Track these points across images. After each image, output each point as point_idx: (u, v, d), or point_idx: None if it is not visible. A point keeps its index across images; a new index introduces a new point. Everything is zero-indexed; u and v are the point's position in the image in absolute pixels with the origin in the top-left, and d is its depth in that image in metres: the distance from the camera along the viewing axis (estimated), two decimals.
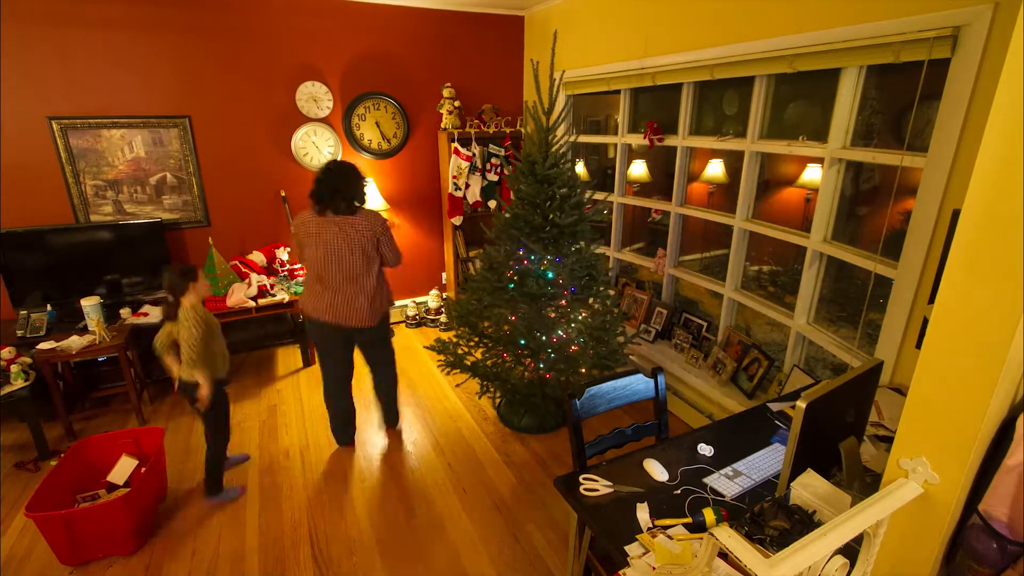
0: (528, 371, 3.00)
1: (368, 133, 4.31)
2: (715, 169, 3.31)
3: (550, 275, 2.81)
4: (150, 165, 3.71)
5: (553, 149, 2.81)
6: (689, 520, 1.53)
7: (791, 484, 1.37)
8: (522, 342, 2.90)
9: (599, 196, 3.99)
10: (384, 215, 4.54)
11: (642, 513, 1.57)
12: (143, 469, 2.49)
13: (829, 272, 2.65)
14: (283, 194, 4.16)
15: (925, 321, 2.06)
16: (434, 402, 3.59)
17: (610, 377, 1.98)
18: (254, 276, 3.76)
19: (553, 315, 2.92)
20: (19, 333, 3.18)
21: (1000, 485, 1.03)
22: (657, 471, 1.75)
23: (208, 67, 3.70)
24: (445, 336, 3.43)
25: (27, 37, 3.22)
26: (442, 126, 4.42)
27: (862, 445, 1.73)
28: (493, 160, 4.50)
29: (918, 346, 2.06)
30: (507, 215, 2.92)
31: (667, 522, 1.53)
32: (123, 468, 2.56)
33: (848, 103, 2.36)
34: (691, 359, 3.35)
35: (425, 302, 4.96)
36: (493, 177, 4.53)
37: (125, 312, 3.45)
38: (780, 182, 2.95)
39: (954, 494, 1.05)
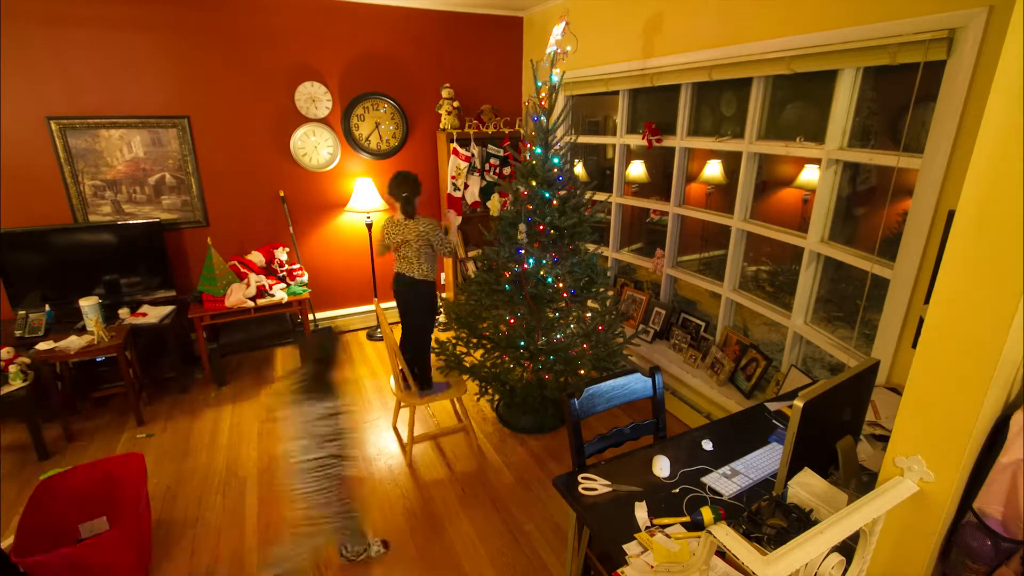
0: (527, 372, 3.01)
1: (367, 133, 4.31)
2: (713, 170, 3.32)
3: (549, 280, 2.81)
4: (149, 165, 3.71)
5: (553, 151, 2.82)
6: (687, 519, 1.54)
7: (788, 483, 1.38)
8: (521, 344, 2.90)
9: (599, 197, 4.01)
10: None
11: (640, 512, 1.57)
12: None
13: (826, 272, 2.66)
14: (282, 194, 4.16)
15: (921, 321, 2.07)
16: (434, 405, 3.58)
17: (608, 377, 1.99)
18: (253, 276, 3.76)
19: (552, 316, 2.92)
20: (17, 333, 3.18)
21: (994, 483, 1.04)
22: (663, 468, 1.76)
23: (207, 67, 3.70)
24: (444, 337, 3.43)
25: (26, 37, 3.22)
26: (441, 126, 4.43)
27: (859, 444, 1.74)
28: (492, 160, 4.51)
29: (914, 346, 2.07)
30: (506, 214, 2.93)
31: (665, 521, 1.53)
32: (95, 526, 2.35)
33: (845, 104, 2.38)
34: (689, 359, 3.36)
35: None
36: (492, 177, 4.54)
37: (124, 312, 3.45)
38: (778, 183, 2.96)
39: (949, 492, 1.07)
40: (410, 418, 2.93)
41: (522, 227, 2.80)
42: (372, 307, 4.79)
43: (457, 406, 3.50)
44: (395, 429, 3.28)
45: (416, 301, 3.06)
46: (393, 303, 4.89)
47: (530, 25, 4.57)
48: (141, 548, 2.23)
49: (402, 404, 3.36)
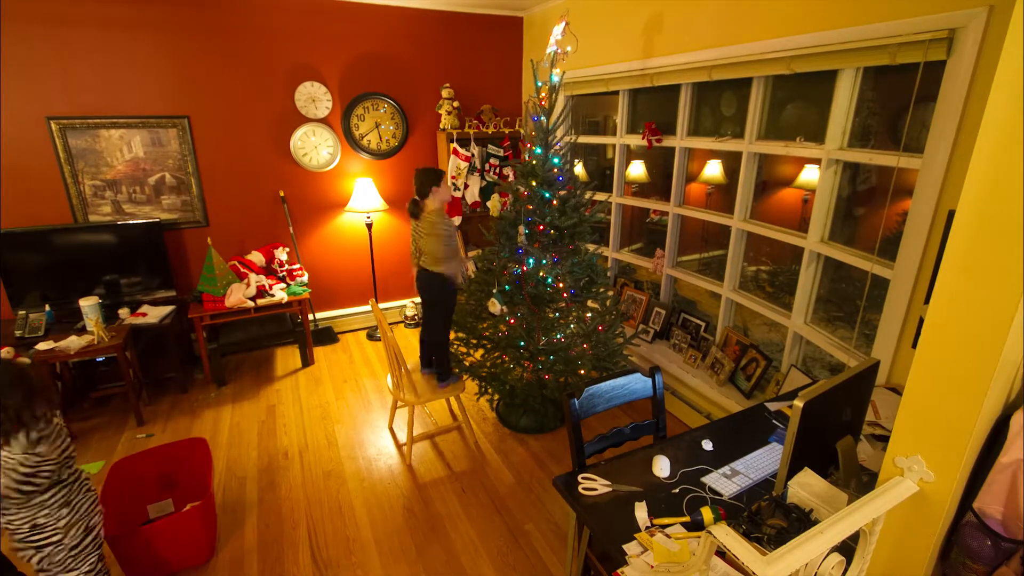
0: (527, 372, 3.01)
1: (367, 133, 4.31)
2: (713, 170, 3.32)
3: (549, 280, 2.81)
4: (149, 165, 3.71)
5: (553, 151, 2.82)
6: (687, 519, 1.54)
7: (788, 483, 1.38)
8: (521, 344, 2.90)
9: (599, 197, 4.01)
10: (379, 214, 4.54)
11: (640, 512, 1.57)
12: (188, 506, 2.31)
13: (826, 272, 2.66)
14: (282, 194, 4.16)
15: (921, 321, 2.07)
16: (433, 404, 3.59)
17: (608, 377, 1.99)
18: (253, 276, 3.76)
19: (552, 316, 2.92)
20: (18, 333, 3.17)
21: (994, 483, 1.04)
22: (663, 468, 1.76)
23: (207, 67, 3.70)
24: None
25: (26, 37, 3.22)
26: (441, 126, 4.43)
27: (859, 444, 1.74)
28: (492, 160, 4.51)
29: (914, 346, 2.07)
30: (506, 214, 2.93)
31: (665, 521, 1.53)
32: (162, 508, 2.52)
33: (845, 104, 2.38)
34: (689, 359, 3.36)
35: None
36: (492, 177, 4.54)
37: (124, 312, 3.45)
38: (778, 183, 2.96)
39: (949, 492, 1.07)
40: (409, 418, 2.93)
41: (521, 228, 2.80)
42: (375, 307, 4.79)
43: (454, 405, 3.50)
44: (391, 430, 3.28)
45: (424, 292, 3.11)
46: (393, 303, 4.92)
47: (530, 25, 4.57)
48: (208, 528, 2.31)
49: (399, 404, 3.36)
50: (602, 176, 4.29)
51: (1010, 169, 0.91)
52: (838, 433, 1.52)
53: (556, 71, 2.72)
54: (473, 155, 4.36)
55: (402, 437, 3.20)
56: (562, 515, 2.57)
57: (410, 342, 4.53)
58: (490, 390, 3.17)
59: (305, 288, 3.99)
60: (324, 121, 4.15)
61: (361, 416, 3.42)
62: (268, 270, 4.07)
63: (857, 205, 2.52)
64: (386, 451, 3.07)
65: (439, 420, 3.39)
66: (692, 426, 3.06)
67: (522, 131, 4.63)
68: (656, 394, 2.06)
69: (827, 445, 1.50)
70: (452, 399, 3.59)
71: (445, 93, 4.30)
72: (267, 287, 3.80)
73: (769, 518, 1.31)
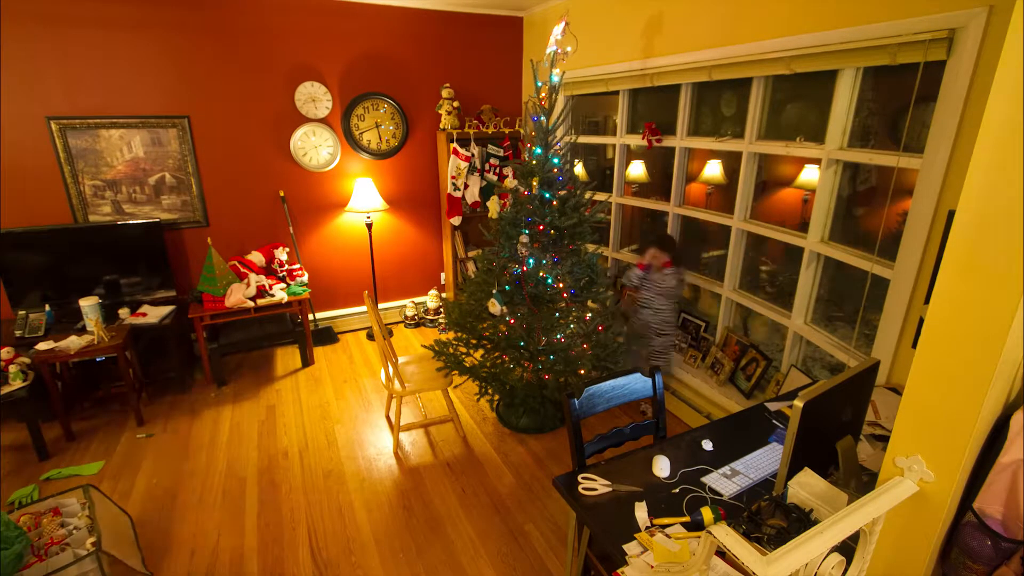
0: (527, 372, 3.01)
1: (367, 133, 4.31)
2: (713, 170, 3.32)
3: (549, 280, 2.81)
4: (149, 165, 3.71)
5: (553, 151, 2.82)
6: (687, 519, 1.54)
7: (788, 483, 1.38)
8: (521, 344, 2.90)
9: (599, 197, 4.01)
10: (383, 215, 4.55)
11: (640, 512, 1.57)
12: None
13: (827, 272, 2.66)
14: (282, 194, 4.16)
15: (921, 321, 2.07)
16: (432, 402, 3.59)
17: (608, 377, 1.99)
18: (253, 276, 3.76)
19: (552, 316, 2.92)
20: (18, 333, 3.18)
21: (994, 483, 1.04)
22: (663, 468, 1.76)
23: (207, 67, 3.70)
24: (444, 337, 3.43)
25: (26, 37, 3.22)
26: (441, 126, 4.43)
27: (859, 444, 1.74)
28: (492, 160, 4.51)
29: (914, 346, 2.07)
30: (506, 214, 2.93)
31: (665, 521, 1.53)
32: None
33: (845, 104, 2.38)
34: (689, 359, 3.36)
35: (424, 302, 4.97)
36: (492, 177, 4.54)
37: (124, 312, 3.45)
38: (778, 183, 2.96)
39: (949, 492, 1.07)
40: (397, 408, 2.92)
41: (523, 238, 2.79)
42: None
43: (455, 400, 3.50)
44: (388, 418, 3.34)
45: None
46: (393, 303, 4.91)
47: (530, 25, 4.57)
48: None
49: (393, 396, 3.38)
50: (602, 176, 4.29)
51: (1010, 169, 0.91)
52: (838, 433, 1.52)
53: (556, 71, 2.72)
54: (473, 155, 4.36)
55: (402, 433, 3.20)
56: (562, 515, 2.57)
57: (409, 342, 4.53)
58: (490, 390, 3.17)
59: (305, 288, 3.98)
60: (324, 121, 4.15)
61: (361, 416, 3.42)
62: (268, 270, 4.07)
63: (857, 205, 2.52)
64: (386, 451, 3.07)
65: (440, 415, 3.39)
66: (692, 426, 3.06)
67: (522, 131, 4.63)
68: (656, 394, 2.06)
69: (827, 445, 1.50)
70: (451, 396, 3.60)
71: (445, 93, 4.30)
72: (267, 287, 3.80)
73: (769, 518, 1.31)
